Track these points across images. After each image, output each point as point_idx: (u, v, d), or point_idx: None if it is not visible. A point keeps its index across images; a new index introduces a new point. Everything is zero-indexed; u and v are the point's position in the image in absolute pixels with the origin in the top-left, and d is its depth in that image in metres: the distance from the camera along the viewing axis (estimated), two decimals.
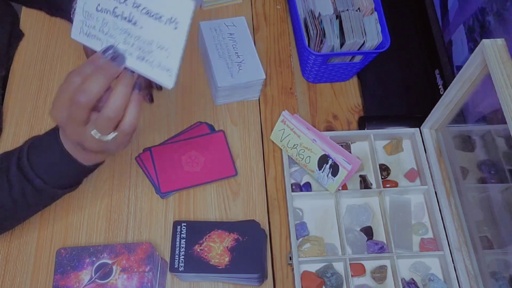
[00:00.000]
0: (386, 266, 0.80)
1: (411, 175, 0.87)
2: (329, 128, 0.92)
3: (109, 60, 0.51)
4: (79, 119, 0.53)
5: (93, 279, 0.66)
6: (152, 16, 0.48)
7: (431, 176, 0.84)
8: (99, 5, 0.50)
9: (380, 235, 0.82)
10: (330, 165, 0.78)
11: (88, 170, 0.65)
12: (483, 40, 0.64)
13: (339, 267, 0.79)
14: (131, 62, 0.51)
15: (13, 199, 0.65)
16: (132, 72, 0.52)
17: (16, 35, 0.95)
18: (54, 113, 0.55)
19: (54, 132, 0.62)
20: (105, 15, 0.50)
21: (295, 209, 0.83)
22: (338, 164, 0.77)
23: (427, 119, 0.85)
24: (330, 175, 0.79)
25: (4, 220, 0.72)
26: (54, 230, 0.80)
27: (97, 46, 0.52)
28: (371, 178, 0.87)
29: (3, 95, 0.90)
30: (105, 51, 0.51)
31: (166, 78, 0.50)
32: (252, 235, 0.74)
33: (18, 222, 0.76)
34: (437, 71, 0.91)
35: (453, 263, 0.77)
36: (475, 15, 0.82)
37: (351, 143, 0.90)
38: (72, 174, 0.65)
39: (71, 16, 0.90)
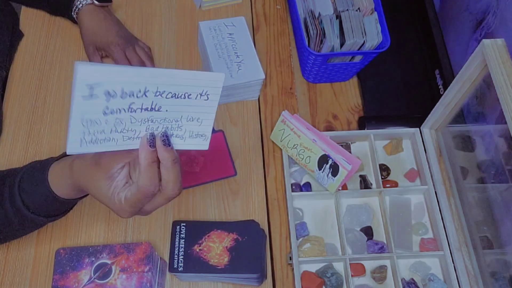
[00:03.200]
0: (386, 266, 0.79)
1: (411, 175, 0.87)
2: (329, 128, 0.92)
3: (164, 147, 0.50)
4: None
5: (92, 279, 0.65)
6: (179, 97, 0.47)
7: (431, 176, 0.84)
8: (107, 108, 0.45)
9: (380, 235, 0.82)
10: (330, 165, 0.78)
11: (69, 204, 0.66)
12: (483, 40, 0.64)
13: (339, 267, 0.79)
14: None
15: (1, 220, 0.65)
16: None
17: (16, 36, 0.95)
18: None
19: (47, 162, 0.63)
20: (117, 115, 0.46)
21: (295, 209, 0.83)
22: (338, 164, 0.77)
23: (427, 119, 0.85)
24: (330, 175, 0.79)
25: None
26: (54, 230, 0.79)
27: (110, 147, 0.48)
28: (371, 178, 0.86)
29: (2, 95, 0.90)
30: (151, 142, 0.50)
31: (201, 143, 0.52)
32: (251, 235, 0.74)
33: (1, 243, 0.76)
34: (437, 71, 0.91)
35: (453, 263, 0.77)
36: (475, 14, 0.81)
37: (351, 143, 0.90)
38: (53, 207, 0.65)
39: (72, 14, 0.91)
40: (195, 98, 0.48)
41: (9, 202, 0.63)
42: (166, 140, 0.51)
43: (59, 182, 0.61)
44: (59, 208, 0.66)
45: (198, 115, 0.50)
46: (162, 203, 0.54)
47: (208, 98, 0.49)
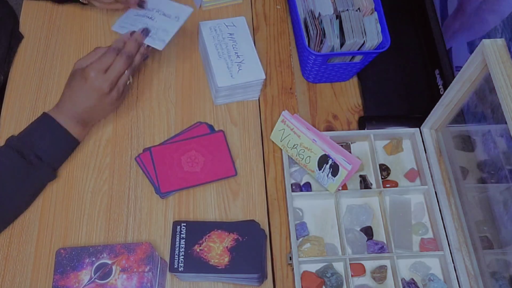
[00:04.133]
0: (386, 266, 0.79)
1: (411, 175, 0.87)
2: (329, 128, 0.92)
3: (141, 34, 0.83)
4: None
5: (92, 279, 0.66)
6: (164, 15, 0.84)
7: (431, 176, 0.84)
8: (138, 12, 0.86)
9: (380, 235, 0.82)
10: (330, 165, 0.78)
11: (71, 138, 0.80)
12: (483, 40, 0.64)
13: (339, 267, 0.79)
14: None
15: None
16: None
17: (15, 38, 0.95)
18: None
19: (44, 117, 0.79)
20: (137, 18, 0.85)
21: (295, 209, 0.83)
22: (338, 164, 0.77)
23: (427, 119, 0.85)
24: (330, 175, 0.79)
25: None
26: (54, 230, 0.80)
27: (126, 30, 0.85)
28: (371, 178, 0.87)
29: (1, 101, 0.90)
30: (143, 30, 0.83)
31: (160, 44, 0.82)
32: (251, 235, 0.74)
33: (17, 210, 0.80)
34: (437, 71, 0.91)
35: (453, 263, 0.77)
36: (476, 14, 0.82)
37: (351, 143, 0.90)
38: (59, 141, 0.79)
39: None
40: (170, 18, 0.84)
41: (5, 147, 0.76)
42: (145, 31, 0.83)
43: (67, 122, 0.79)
44: (64, 143, 0.80)
45: (168, 28, 0.83)
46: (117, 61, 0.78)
47: (178, 20, 0.83)
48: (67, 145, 0.81)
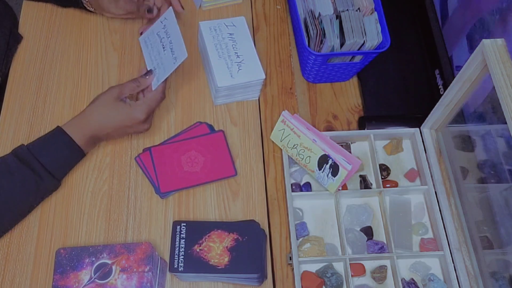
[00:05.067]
0: (386, 266, 0.79)
1: (411, 175, 0.87)
2: (329, 128, 0.92)
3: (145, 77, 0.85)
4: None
5: (92, 279, 0.66)
6: (171, 48, 0.82)
7: (431, 176, 0.84)
8: (158, 32, 0.86)
9: (380, 235, 0.82)
10: (330, 165, 0.78)
11: (76, 150, 0.80)
12: (483, 40, 0.64)
13: (339, 267, 0.79)
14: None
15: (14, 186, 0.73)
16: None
17: (15, 39, 0.95)
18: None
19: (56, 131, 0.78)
20: (157, 37, 0.86)
21: (295, 209, 0.83)
22: (338, 164, 0.77)
23: (427, 119, 0.85)
24: (330, 175, 0.79)
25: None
26: (54, 230, 0.80)
27: (145, 50, 0.89)
28: (371, 178, 0.86)
29: (0, 101, 0.90)
30: (147, 73, 0.85)
31: (155, 83, 0.83)
32: (251, 235, 0.74)
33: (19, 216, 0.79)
34: (437, 71, 0.91)
35: (453, 263, 0.77)
36: (476, 15, 0.82)
37: (351, 143, 0.90)
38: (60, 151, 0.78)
39: (84, 3, 0.93)
40: (172, 54, 0.82)
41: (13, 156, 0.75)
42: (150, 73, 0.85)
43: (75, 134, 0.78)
44: (76, 159, 0.81)
45: (166, 66, 0.82)
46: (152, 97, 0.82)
47: (175, 61, 0.80)
48: (77, 160, 0.82)
